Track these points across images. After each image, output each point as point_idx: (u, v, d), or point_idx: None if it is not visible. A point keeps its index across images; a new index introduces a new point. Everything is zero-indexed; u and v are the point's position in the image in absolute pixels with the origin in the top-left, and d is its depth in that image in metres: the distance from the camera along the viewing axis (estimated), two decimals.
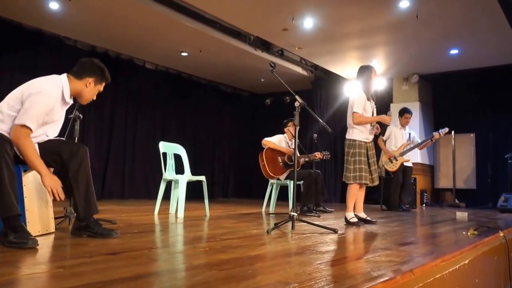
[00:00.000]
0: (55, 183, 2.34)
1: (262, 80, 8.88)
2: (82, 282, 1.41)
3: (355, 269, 1.86)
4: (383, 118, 4.08)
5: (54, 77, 2.51)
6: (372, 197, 8.46)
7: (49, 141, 2.57)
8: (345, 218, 4.00)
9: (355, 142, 4.00)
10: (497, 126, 8.11)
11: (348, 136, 4.07)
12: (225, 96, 9.81)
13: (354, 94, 4.09)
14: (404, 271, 1.72)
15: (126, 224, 3.37)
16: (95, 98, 2.67)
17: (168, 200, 4.71)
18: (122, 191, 7.58)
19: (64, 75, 2.55)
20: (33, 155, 2.31)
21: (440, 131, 6.14)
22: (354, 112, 3.97)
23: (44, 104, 2.36)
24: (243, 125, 10.21)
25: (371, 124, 4.07)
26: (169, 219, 4.04)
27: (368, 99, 4.05)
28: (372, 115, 4.11)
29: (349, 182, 3.98)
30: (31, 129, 2.32)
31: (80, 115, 3.21)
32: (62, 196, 2.37)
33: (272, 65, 3.32)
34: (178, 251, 2.27)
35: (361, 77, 4.14)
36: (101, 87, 2.64)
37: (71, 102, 2.63)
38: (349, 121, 4.07)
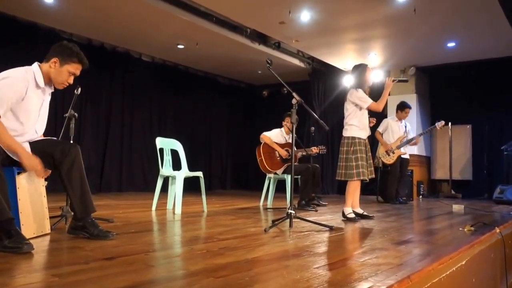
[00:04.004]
0: (35, 162, 2.32)
1: (259, 72, 8.83)
2: None
3: (352, 274, 1.86)
4: (387, 84, 4.16)
5: (24, 66, 2.46)
6: (368, 187, 8.50)
7: (41, 141, 2.54)
8: (343, 213, 4.02)
9: (354, 139, 4.01)
10: (493, 118, 8.13)
11: (346, 134, 4.06)
12: (222, 88, 9.75)
13: (352, 93, 4.08)
14: (401, 278, 1.72)
15: (123, 222, 3.36)
16: (71, 82, 2.55)
17: (166, 192, 4.69)
18: (119, 184, 7.57)
19: (35, 63, 2.50)
20: (6, 137, 2.27)
21: (436, 124, 6.19)
22: (369, 106, 4.03)
23: (12, 88, 2.31)
24: (240, 117, 10.18)
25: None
26: (166, 216, 4.03)
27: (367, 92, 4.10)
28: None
29: (352, 180, 3.98)
30: None
31: (75, 113, 3.17)
32: (43, 174, 2.38)
33: (269, 62, 3.29)
34: (175, 255, 2.26)
35: (354, 74, 4.17)
36: (72, 69, 2.50)
37: (49, 89, 2.57)
38: (347, 120, 4.08)
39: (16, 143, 2.31)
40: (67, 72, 2.50)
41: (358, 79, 4.12)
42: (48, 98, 2.59)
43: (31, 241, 2.11)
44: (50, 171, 2.53)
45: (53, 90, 2.62)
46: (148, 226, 3.36)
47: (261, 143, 5.39)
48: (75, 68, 2.52)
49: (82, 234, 2.51)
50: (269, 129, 5.56)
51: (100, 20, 6.24)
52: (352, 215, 3.96)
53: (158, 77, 8.24)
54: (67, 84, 2.56)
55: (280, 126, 5.58)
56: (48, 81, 2.53)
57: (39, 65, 2.50)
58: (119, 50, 7.53)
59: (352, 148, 3.99)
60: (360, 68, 4.14)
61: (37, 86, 2.46)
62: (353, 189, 4.04)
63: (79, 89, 3.21)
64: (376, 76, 8.45)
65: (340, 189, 8.39)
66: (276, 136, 5.45)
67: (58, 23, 6.41)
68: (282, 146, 5.38)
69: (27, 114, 2.42)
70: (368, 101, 4.03)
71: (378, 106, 4.06)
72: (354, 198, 4.11)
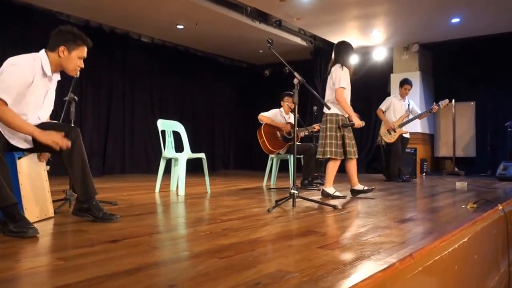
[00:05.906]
0: (51, 136, 2.31)
1: (261, 51, 8.72)
2: (83, 277, 1.41)
3: (355, 252, 1.86)
4: (356, 119, 3.97)
5: (32, 53, 2.44)
6: (372, 166, 8.51)
7: (41, 125, 2.53)
8: (326, 192, 3.97)
9: (338, 117, 3.97)
10: (497, 94, 8.04)
11: (331, 111, 3.94)
12: (223, 68, 9.68)
13: (338, 69, 3.98)
14: (403, 256, 1.73)
15: (127, 204, 3.38)
16: (82, 65, 2.56)
17: (169, 174, 4.71)
18: (122, 167, 7.61)
19: (42, 51, 2.48)
20: (17, 119, 2.27)
21: (440, 103, 6.13)
22: (338, 88, 3.90)
23: (18, 75, 2.30)
24: (242, 97, 10.13)
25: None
26: (170, 197, 4.06)
27: (351, 76, 4.01)
28: None
29: (339, 159, 3.96)
30: (5, 102, 2.23)
31: (75, 97, 3.15)
32: (67, 143, 2.34)
33: (270, 41, 3.24)
34: (179, 237, 2.28)
35: (342, 51, 4.04)
36: (80, 53, 2.51)
37: (56, 77, 2.56)
38: (332, 96, 4.01)
39: (27, 124, 2.31)
40: (77, 57, 2.52)
41: (346, 57, 4.02)
42: (54, 86, 2.59)
43: (35, 225, 2.13)
44: (49, 154, 2.53)
45: (59, 79, 2.60)
46: (151, 208, 3.39)
47: (261, 124, 5.37)
48: (82, 51, 2.54)
49: (86, 216, 2.54)
50: (270, 109, 5.52)
51: (97, 0, 6.13)
52: (338, 193, 3.97)
53: (158, 58, 8.16)
54: (79, 69, 2.58)
55: (279, 106, 5.54)
56: (55, 69, 2.51)
57: (46, 53, 2.47)
58: (118, 31, 7.44)
59: (334, 126, 3.95)
60: (349, 47, 4.06)
61: (44, 74, 2.44)
62: (335, 169, 4.02)
63: (78, 72, 3.18)
64: (378, 54, 8.37)
65: (342, 168, 8.39)
66: (275, 116, 5.41)
67: (55, 5, 6.30)
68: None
69: (31, 102, 2.41)
70: (343, 83, 3.90)
71: (342, 98, 3.91)
72: (353, 176, 4.10)
